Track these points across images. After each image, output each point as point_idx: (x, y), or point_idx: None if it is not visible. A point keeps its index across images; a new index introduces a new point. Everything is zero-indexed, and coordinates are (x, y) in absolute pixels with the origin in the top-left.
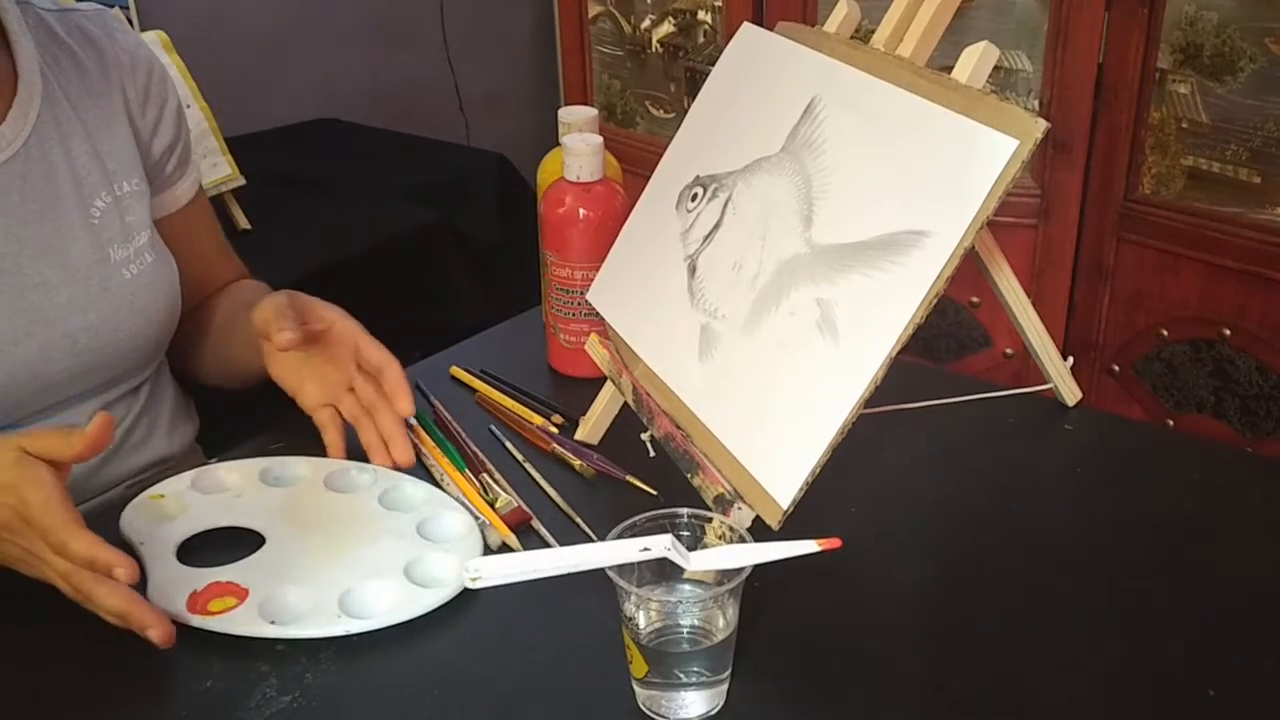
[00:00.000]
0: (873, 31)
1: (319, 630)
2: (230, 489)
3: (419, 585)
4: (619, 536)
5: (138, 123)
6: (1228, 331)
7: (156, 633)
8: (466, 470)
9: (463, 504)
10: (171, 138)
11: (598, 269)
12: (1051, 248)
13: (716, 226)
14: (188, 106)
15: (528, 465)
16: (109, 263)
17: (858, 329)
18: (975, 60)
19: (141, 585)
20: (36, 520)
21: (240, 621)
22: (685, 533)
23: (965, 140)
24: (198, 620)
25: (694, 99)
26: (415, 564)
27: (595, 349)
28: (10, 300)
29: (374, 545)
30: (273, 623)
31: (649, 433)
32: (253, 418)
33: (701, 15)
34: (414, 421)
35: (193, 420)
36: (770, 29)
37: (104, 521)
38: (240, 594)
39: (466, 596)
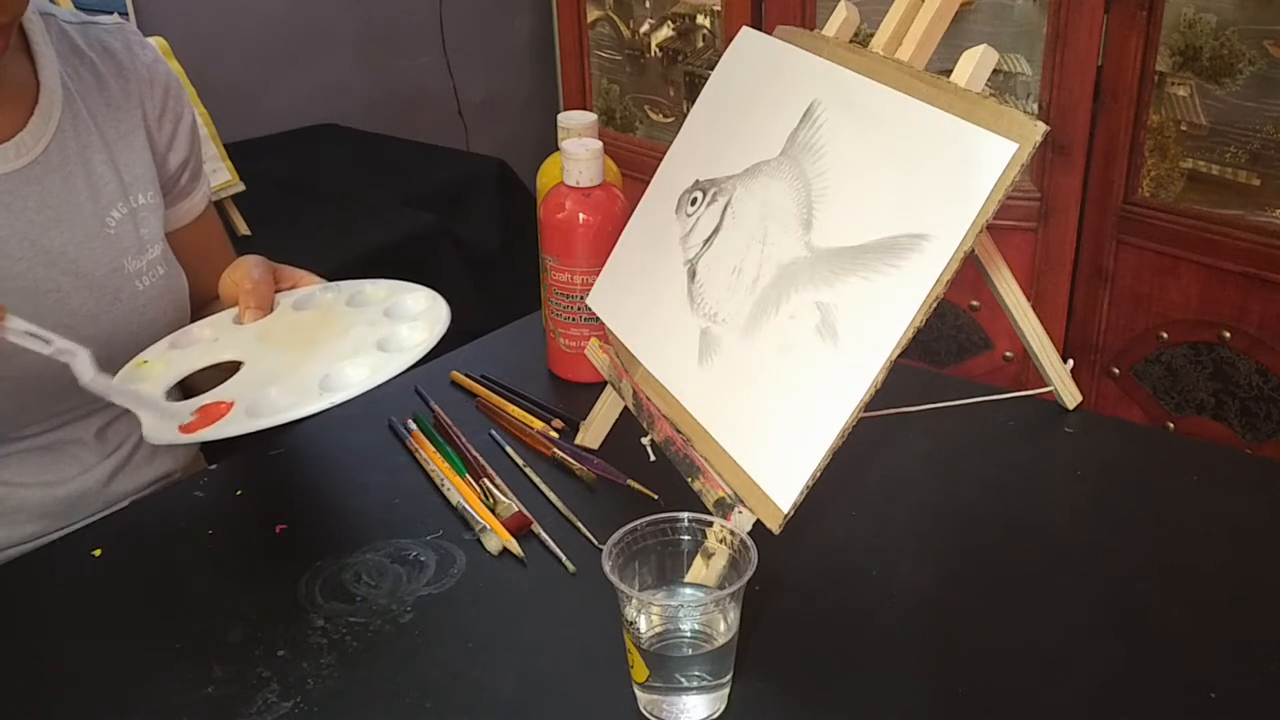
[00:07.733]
0: (872, 35)
1: (302, 410)
2: (206, 338)
3: (392, 353)
4: (619, 542)
5: (155, 136)
6: (1227, 334)
7: None
8: (467, 475)
9: (464, 509)
10: (186, 152)
11: (597, 274)
12: (1051, 251)
13: (716, 230)
14: None
15: (528, 470)
16: (123, 273)
17: (858, 332)
18: (974, 64)
19: (137, 426)
20: None
21: (228, 425)
22: (686, 537)
23: (964, 143)
24: (190, 436)
25: (693, 103)
26: (387, 339)
27: (595, 354)
28: (23, 305)
29: (346, 335)
30: (259, 417)
31: (649, 437)
32: None
33: (700, 19)
34: (414, 426)
35: None
36: (769, 33)
37: (113, 534)
38: (226, 408)
39: (467, 602)
